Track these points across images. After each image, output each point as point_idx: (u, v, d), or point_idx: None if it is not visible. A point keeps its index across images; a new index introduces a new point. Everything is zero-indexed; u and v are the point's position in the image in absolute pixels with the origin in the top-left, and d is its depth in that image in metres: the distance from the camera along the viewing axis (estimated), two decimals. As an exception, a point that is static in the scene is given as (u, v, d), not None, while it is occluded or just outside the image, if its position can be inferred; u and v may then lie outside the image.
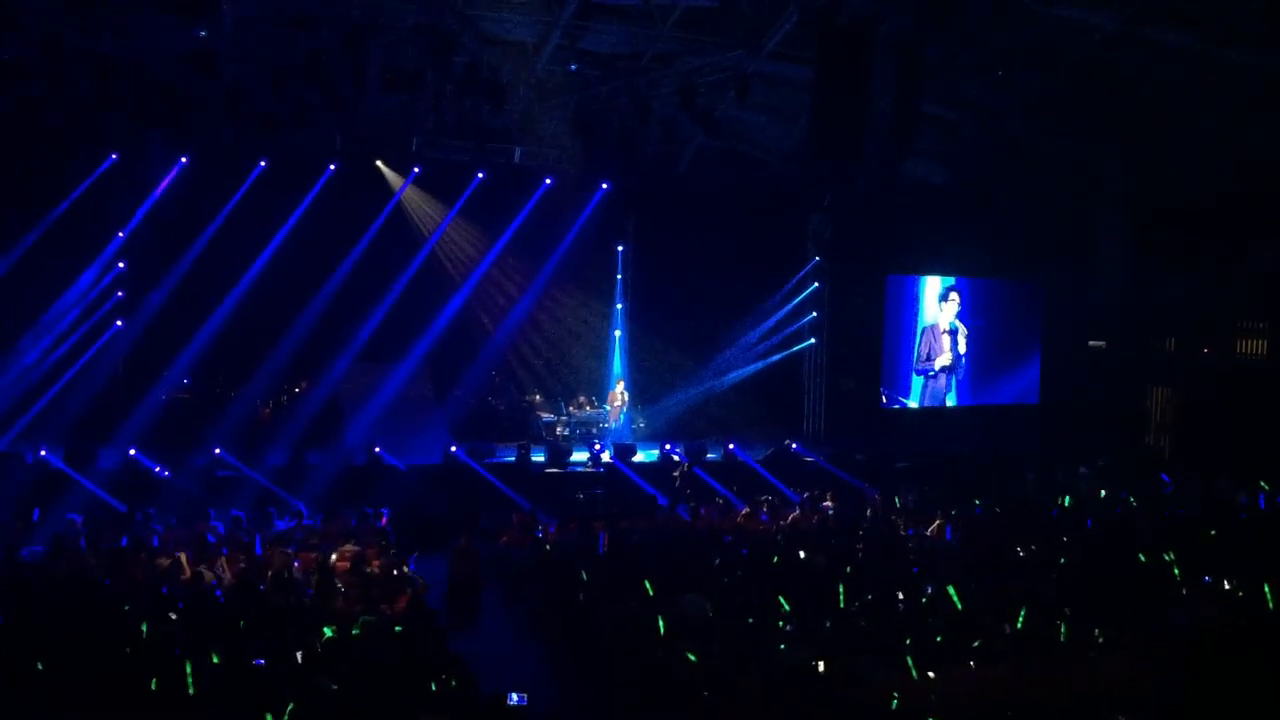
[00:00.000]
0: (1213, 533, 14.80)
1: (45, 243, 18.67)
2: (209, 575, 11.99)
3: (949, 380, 24.36)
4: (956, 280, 24.44)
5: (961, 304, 24.47)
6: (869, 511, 16.58)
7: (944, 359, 24.15)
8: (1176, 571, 12.52)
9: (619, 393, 22.09)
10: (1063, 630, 10.25)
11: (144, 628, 9.38)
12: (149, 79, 16.89)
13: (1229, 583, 11.97)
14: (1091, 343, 24.68)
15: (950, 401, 24.47)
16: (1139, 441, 24.12)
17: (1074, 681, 9.55)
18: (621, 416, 22.09)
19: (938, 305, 24.25)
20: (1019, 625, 10.40)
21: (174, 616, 10.23)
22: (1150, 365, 24.26)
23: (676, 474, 19.08)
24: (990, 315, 24.96)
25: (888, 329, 23.95)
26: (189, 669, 8.52)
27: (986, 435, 23.04)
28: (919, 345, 24.10)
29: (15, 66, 16.27)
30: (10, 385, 18.68)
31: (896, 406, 23.94)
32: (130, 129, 18.25)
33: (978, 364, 24.81)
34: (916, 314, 24.20)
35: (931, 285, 24.34)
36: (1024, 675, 9.47)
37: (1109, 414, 23.29)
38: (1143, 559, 13.00)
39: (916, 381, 24.21)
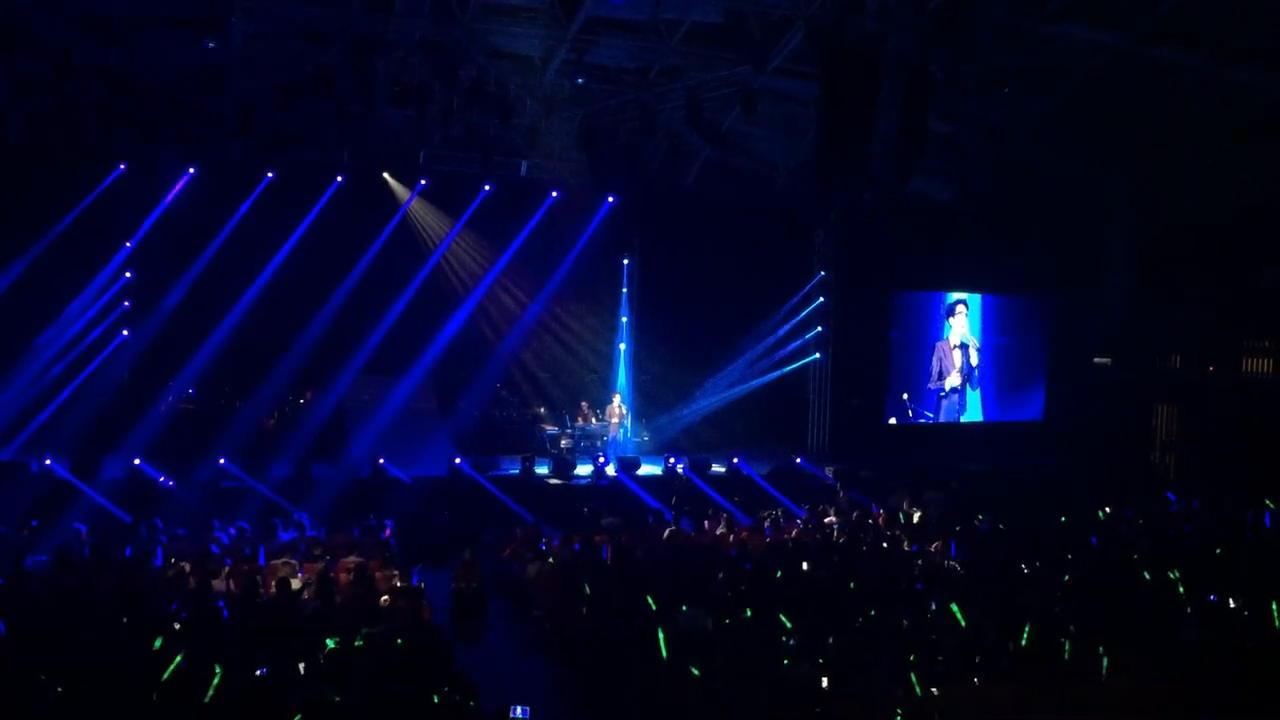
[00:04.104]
0: (1218, 551, 14.76)
1: (53, 252, 18.76)
2: (218, 585, 12.00)
3: (963, 397, 24.35)
4: (982, 297, 24.53)
5: (983, 320, 24.49)
6: (872, 526, 16.56)
7: (953, 379, 24.12)
8: (1181, 590, 12.47)
9: (616, 406, 22.11)
10: (1067, 648, 10.21)
11: (157, 643, 9.35)
12: (158, 93, 17.00)
13: (1234, 602, 11.92)
14: (1097, 360, 24.64)
15: (966, 417, 24.46)
16: (1144, 459, 24.08)
17: (1078, 700, 9.53)
18: (621, 429, 22.10)
19: (945, 321, 24.28)
20: (1024, 643, 10.36)
21: (177, 627, 10.23)
22: (1156, 383, 24.22)
23: (674, 488, 19.10)
24: (1005, 332, 24.99)
25: (910, 345, 23.98)
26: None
27: (992, 452, 23.00)
28: (932, 363, 24.12)
29: (27, 80, 16.36)
30: (17, 394, 18.73)
31: (923, 421, 23.94)
32: (139, 142, 18.35)
33: (993, 380, 24.82)
34: (942, 330, 24.25)
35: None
36: (1028, 693, 9.45)
37: (1114, 431, 23.25)
38: (1147, 577, 12.96)
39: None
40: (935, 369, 24.10)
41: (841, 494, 18.85)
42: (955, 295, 24.30)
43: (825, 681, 9.28)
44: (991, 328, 24.70)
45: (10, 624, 10.04)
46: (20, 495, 15.80)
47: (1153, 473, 23.59)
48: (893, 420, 23.72)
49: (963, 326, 24.30)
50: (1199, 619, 11.40)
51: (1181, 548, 15.11)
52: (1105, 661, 10.03)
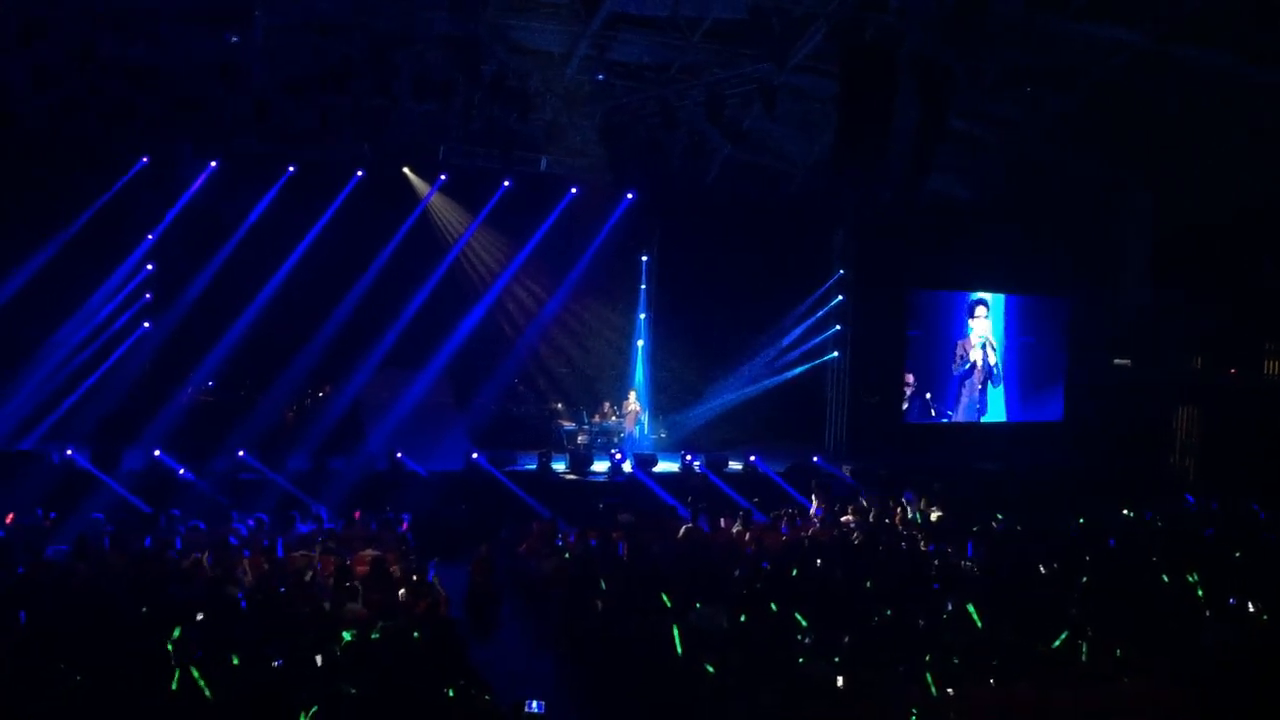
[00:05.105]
0: (1237, 554, 14.66)
1: (75, 245, 18.92)
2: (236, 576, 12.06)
3: (983, 394, 24.26)
4: (1005, 297, 24.42)
5: (1005, 320, 24.39)
6: (889, 525, 16.52)
7: (974, 354, 24.04)
8: (1201, 593, 12.40)
9: (632, 402, 22.12)
10: (1084, 650, 10.16)
11: (175, 633, 9.42)
12: (179, 87, 17.06)
13: (1254, 605, 11.85)
14: (1117, 361, 24.50)
15: (987, 417, 24.35)
16: (1164, 461, 23.93)
17: (1095, 702, 9.48)
18: (638, 426, 22.10)
19: (966, 320, 24.20)
20: (1053, 646, 10.31)
21: (199, 617, 10.28)
22: (1176, 385, 24.05)
23: (691, 485, 19.09)
24: (1027, 332, 24.89)
25: (930, 343, 23.91)
26: (196, 674, 8.56)
27: (1011, 452, 22.89)
28: (954, 356, 24.08)
29: (50, 73, 16.44)
30: (39, 385, 18.87)
31: (944, 420, 23.85)
32: (160, 136, 18.45)
33: (1016, 380, 24.71)
34: (964, 329, 24.15)
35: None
36: (1044, 695, 9.40)
37: (1134, 433, 23.10)
38: (1166, 580, 12.88)
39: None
40: (956, 358, 24.07)
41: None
42: (976, 295, 24.21)
43: (840, 680, 9.27)
44: (1015, 328, 24.63)
45: (31, 613, 10.12)
46: (41, 485, 15.92)
47: (1172, 474, 23.45)
48: (911, 420, 23.65)
49: (984, 328, 24.22)
50: (1218, 622, 11.33)
51: (1201, 550, 15.02)
52: (1122, 663, 9.99)
